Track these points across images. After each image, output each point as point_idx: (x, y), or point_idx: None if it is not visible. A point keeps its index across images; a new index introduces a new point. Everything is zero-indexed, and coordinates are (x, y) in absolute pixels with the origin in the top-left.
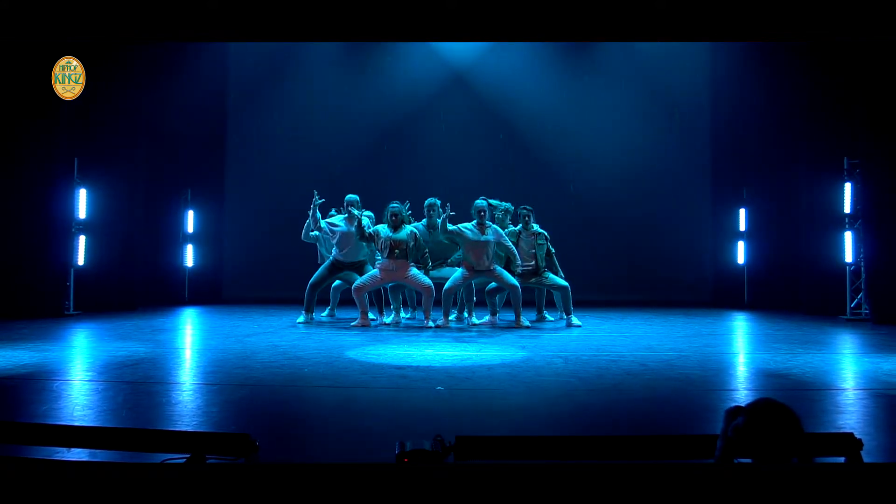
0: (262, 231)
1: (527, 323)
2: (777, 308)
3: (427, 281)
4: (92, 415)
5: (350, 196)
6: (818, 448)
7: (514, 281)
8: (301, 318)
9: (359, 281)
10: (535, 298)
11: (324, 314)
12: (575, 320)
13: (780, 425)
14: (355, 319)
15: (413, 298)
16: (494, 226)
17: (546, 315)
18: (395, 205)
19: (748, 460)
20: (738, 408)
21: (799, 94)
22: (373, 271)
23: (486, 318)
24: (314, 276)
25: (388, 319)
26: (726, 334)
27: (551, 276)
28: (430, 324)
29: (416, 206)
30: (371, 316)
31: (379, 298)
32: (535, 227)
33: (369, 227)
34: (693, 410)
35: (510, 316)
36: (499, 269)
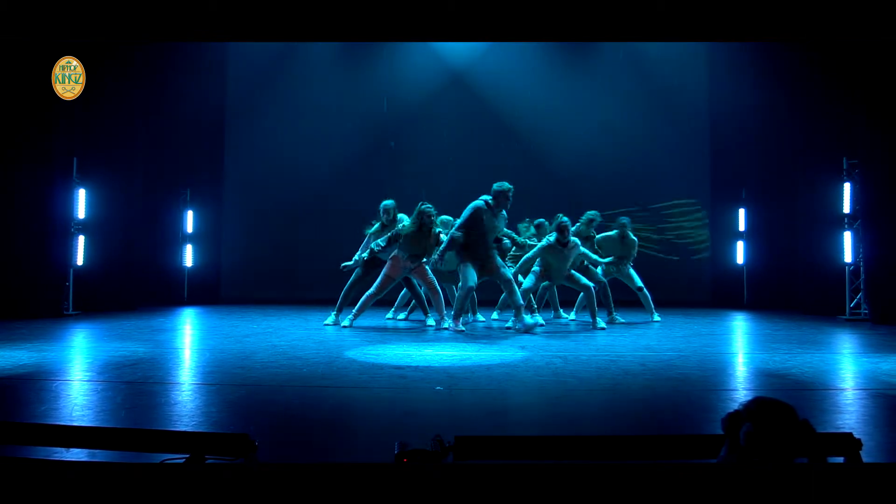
0: (260, 231)
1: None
2: (776, 308)
3: (433, 279)
4: (91, 415)
5: (388, 202)
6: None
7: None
8: (330, 320)
9: (375, 287)
10: (549, 299)
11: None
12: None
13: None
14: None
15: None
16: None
17: (562, 314)
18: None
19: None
20: (737, 413)
21: (798, 94)
22: (384, 272)
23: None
24: (353, 277)
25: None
26: (725, 334)
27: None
28: (445, 325)
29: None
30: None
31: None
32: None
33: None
34: (692, 410)
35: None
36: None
